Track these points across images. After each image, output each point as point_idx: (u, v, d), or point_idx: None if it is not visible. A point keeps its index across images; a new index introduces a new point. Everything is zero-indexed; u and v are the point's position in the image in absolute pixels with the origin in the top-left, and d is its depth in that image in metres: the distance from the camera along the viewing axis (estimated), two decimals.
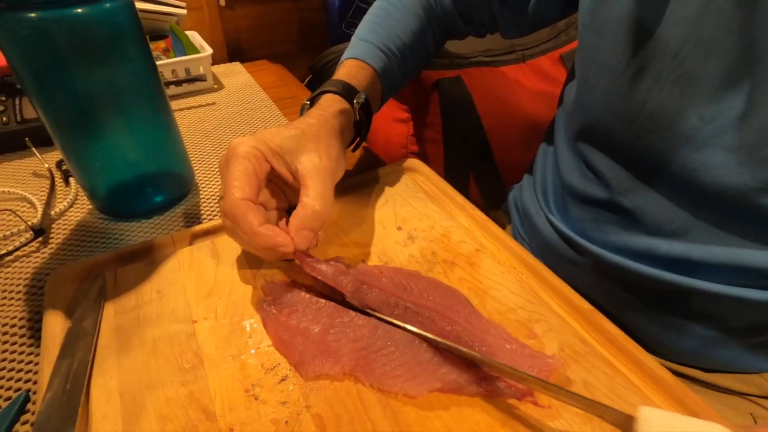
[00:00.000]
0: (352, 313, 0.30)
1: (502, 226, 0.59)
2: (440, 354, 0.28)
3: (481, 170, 0.73)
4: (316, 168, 0.33)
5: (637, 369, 0.29)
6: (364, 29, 0.47)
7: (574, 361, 0.29)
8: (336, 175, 0.35)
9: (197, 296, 0.33)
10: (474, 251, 0.38)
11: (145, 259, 0.37)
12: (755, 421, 0.38)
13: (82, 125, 0.39)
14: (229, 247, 0.38)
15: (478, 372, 0.27)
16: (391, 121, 0.74)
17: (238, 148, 0.32)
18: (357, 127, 0.43)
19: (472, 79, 0.69)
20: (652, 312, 0.38)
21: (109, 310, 0.32)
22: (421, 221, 0.41)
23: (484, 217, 0.41)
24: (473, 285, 0.34)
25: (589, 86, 0.38)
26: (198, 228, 0.39)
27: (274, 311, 0.31)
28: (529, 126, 0.70)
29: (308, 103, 0.41)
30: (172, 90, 0.68)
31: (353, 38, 0.47)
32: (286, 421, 0.26)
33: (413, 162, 0.49)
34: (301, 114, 0.40)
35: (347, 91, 0.40)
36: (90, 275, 0.35)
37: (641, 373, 0.29)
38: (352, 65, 0.44)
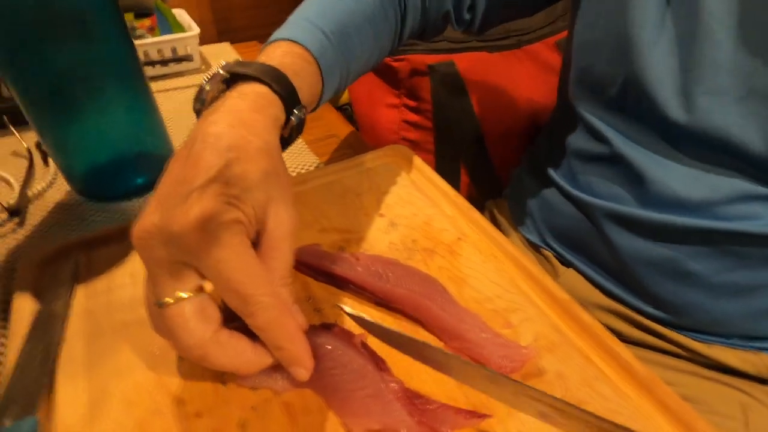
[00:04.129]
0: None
1: (505, 214, 0.59)
2: (388, 390, 0.25)
3: (473, 158, 0.72)
4: (293, 225, 0.25)
5: (610, 359, 0.29)
6: (312, 6, 0.36)
7: (549, 351, 0.29)
8: None
9: None
10: (455, 240, 0.37)
11: (120, 243, 0.36)
12: (744, 412, 0.38)
13: (55, 104, 0.38)
14: None
15: (423, 415, 0.25)
16: (383, 107, 0.73)
17: (216, 231, 0.21)
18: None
19: (466, 64, 0.67)
20: (661, 262, 0.39)
21: (80, 294, 0.32)
22: (404, 208, 0.40)
23: (468, 205, 0.41)
24: (452, 274, 0.34)
25: (588, 24, 0.41)
26: None
27: None
28: (523, 113, 0.69)
29: (221, 86, 0.28)
30: (157, 70, 0.67)
31: (295, 14, 0.35)
32: (254, 407, 0.26)
33: (400, 148, 0.48)
34: (200, 99, 0.28)
35: (288, 96, 0.28)
36: (62, 258, 0.34)
37: (614, 363, 0.28)
38: (295, 54, 0.31)
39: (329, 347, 0.27)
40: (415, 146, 0.73)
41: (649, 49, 0.35)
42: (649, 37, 0.35)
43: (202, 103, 0.28)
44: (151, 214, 0.22)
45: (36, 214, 0.42)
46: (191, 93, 0.64)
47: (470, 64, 0.67)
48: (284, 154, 0.51)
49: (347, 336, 0.28)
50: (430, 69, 0.65)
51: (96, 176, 0.44)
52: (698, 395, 0.40)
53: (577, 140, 0.44)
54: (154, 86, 0.64)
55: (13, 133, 0.51)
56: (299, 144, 0.54)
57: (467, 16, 0.44)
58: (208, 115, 0.25)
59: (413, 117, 0.71)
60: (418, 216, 0.39)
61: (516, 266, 0.35)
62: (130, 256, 0.35)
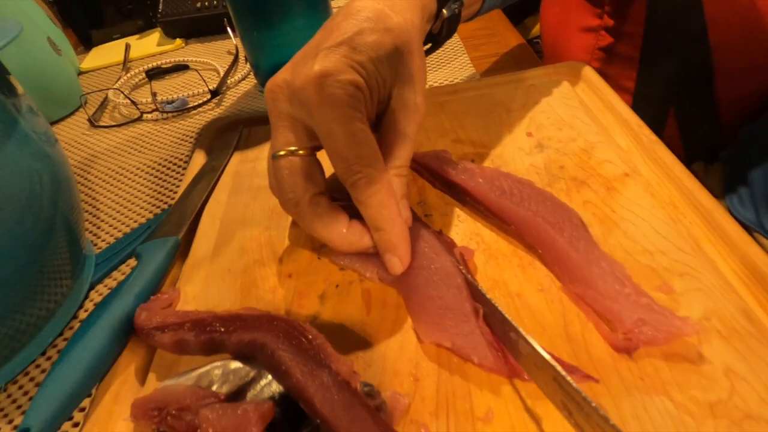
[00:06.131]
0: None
1: (713, 182, 0.45)
2: (472, 311, 0.21)
3: (690, 103, 0.55)
4: (418, 113, 0.24)
5: None
6: None
7: (722, 338, 0.20)
8: None
9: None
10: (621, 175, 0.28)
11: None
12: None
13: (254, 15, 0.43)
14: None
15: (507, 353, 0.20)
16: (576, 30, 0.60)
17: (332, 88, 0.21)
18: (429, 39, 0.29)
19: None
20: None
21: (236, 158, 0.37)
22: (561, 131, 0.33)
23: (655, 138, 0.31)
24: (601, 212, 0.26)
25: None
26: None
27: None
28: None
29: None
30: None
31: None
32: (337, 285, 0.25)
33: (576, 65, 0.39)
34: None
35: None
36: (232, 129, 0.40)
37: None
38: None
39: (424, 245, 0.24)
40: (607, 82, 0.59)
41: None
42: None
43: None
44: (283, 72, 0.23)
45: (229, 97, 0.50)
46: None
47: None
48: (443, 67, 0.48)
49: (448, 243, 0.25)
50: None
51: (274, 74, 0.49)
52: None
53: None
54: (341, 2, 0.68)
55: (229, 36, 0.61)
56: (462, 59, 0.49)
57: None
58: None
59: (613, 43, 0.57)
60: (577, 141, 0.31)
61: (706, 224, 0.25)
62: None
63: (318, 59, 0.21)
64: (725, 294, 0.22)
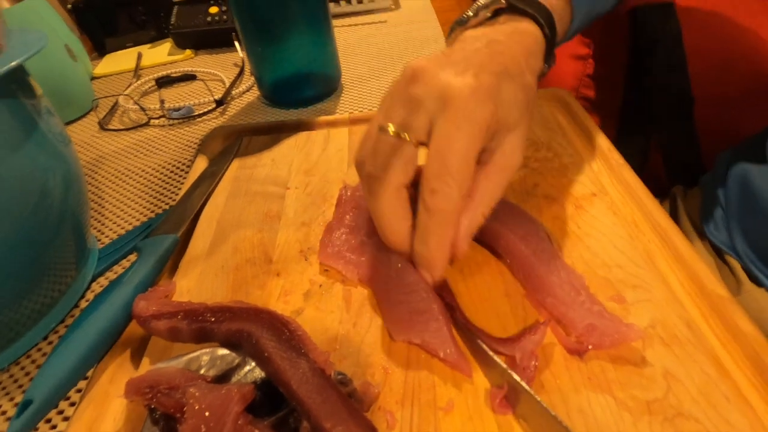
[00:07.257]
0: None
1: (691, 206, 0.48)
2: (440, 312, 0.23)
3: (671, 130, 0.58)
4: (516, 162, 0.24)
5: (766, 390, 0.20)
6: None
7: (665, 345, 0.22)
8: None
9: (298, 170, 0.37)
10: (588, 195, 0.31)
11: (273, 134, 0.42)
12: None
13: (260, 31, 0.46)
14: (338, 140, 0.40)
15: (473, 349, 0.23)
16: (566, 58, 0.64)
17: (477, 104, 0.22)
18: None
19: (691, 7, 0.52)
20: None
21: (235, 164, 0.39)
22: (539, 152, 0.35)
23: (623, 162, 0.33)
24: (567, 227, 0.29)
25: None
26: (320, 119, 0.43)
27: (344, 198, 0.32)
28: (763, 75, 0.51)
29: (487, 14, 0.28)
30: (353, 6, 0.73)
31: None
32: (320, 285, 0.28)
33: (558, 92, 0.42)
34: (457, 30, 0.28)
35: (551, 32, 0.27)
36: (233, 137, 0.43)
37: None
38: None
39: (393, 256, 0.26)
40: (595, 108, 0.62)
41: None
42: None
43: (460, 24, 0.29)
44: (435, 63, 0.23)
45: (233, 107, 0.53)
46: (372, 29, 0.69)
47: (699, 7, 0.52)
48: None
49: None
50: (636, 12, 0.53)
51: (278, 86, 0.52)
52: None
53: None
54: (345, 21, 0.71)
55: (236, 49, 0.64)
56: None
57: None
58: (500, 35, 0.26)
59: (600, 70, 0.60)
60: (552, 162, 0.34)
61: (662, 241, 0.27)
62: (277, 146, 0.41)
63: (478, 74, 0.22)
64: (671, 305, 0.24)
